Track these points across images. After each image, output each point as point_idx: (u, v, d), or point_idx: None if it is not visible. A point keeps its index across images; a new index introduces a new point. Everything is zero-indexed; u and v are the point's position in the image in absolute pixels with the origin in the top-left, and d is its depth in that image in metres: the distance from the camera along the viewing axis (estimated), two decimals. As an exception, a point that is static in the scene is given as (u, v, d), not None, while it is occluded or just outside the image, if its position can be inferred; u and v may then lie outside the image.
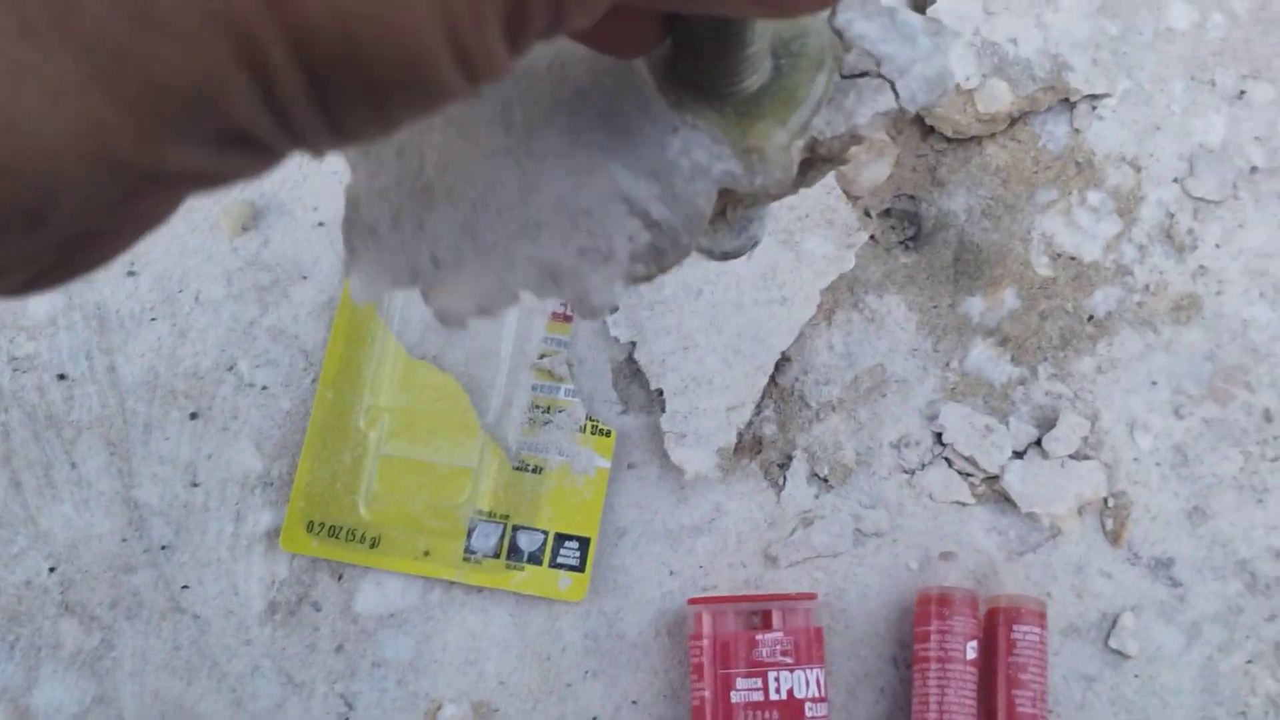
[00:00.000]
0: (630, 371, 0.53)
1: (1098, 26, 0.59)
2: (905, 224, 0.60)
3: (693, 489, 0.52)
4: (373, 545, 0.50)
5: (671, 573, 0.51)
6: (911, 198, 0.60)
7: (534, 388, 0.52)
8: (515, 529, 0.51)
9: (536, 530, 0.51)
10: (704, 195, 0.25)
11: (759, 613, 0.49)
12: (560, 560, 0.51)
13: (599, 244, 0.24)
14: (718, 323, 0.53)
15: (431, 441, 0.51)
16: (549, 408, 0.52)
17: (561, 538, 0.51)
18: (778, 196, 0.27)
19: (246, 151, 0.16)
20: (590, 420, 0.52)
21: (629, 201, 0.24)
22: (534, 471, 0.51)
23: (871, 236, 0.58)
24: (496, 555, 0.51)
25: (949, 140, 0.59)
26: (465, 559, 0.51)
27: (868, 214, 0.58)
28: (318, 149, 0.17)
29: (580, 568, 0.51)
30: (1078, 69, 0.58)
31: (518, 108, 0.25)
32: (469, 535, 0.51)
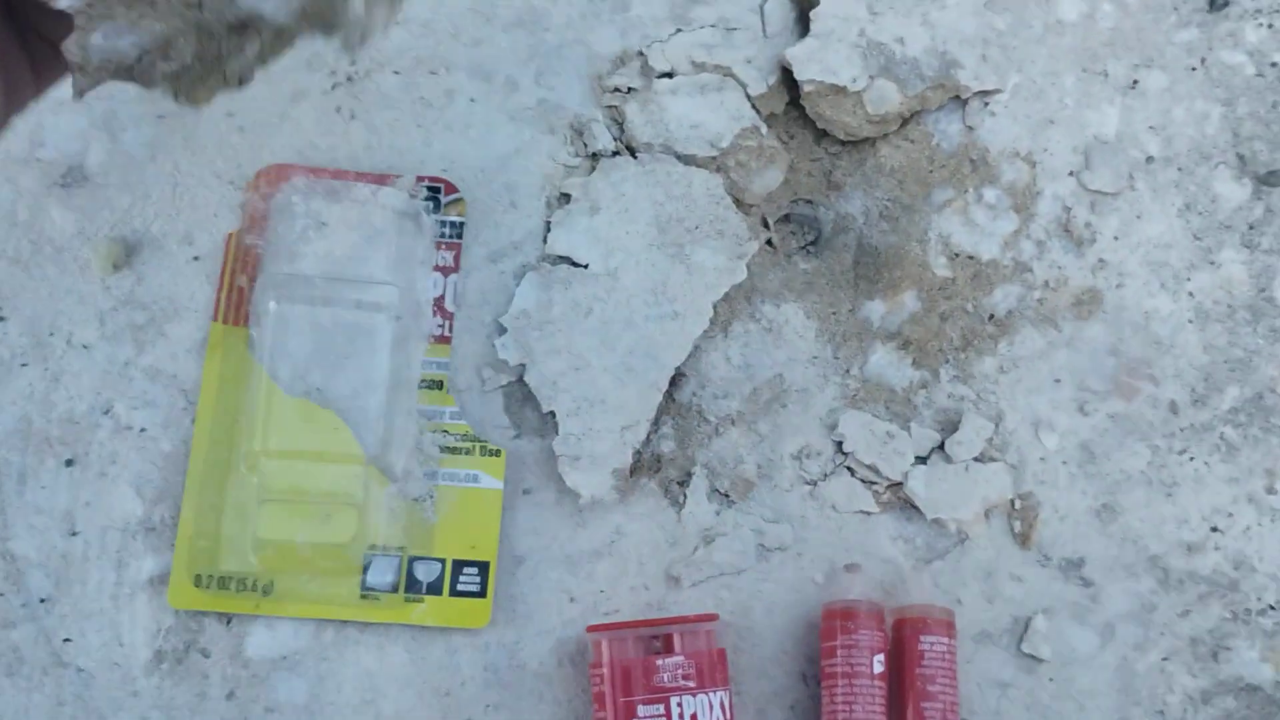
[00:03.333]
0: (522, 394, 0.52)
1: (985, 22, 0.59)
2: (805, 229, 0.59)
3: (590, 512, 0.51)
4: (265, 592, 0.49)
5: (572, 599, 0.50)
6: (809, 202, 0.59)
7: (418, 414, 0.51)
8: (412, 560, 0.49)
9: (433, 559, 0.49)
10: None
11: (659, 637, 0.47)
12: (461, 587, 0.49)
13: None
14: (609, 341, 0.52)
15: (316, 480, 0.49)
16: (435, 432, 0.51)
17: (460, 564, 0.50)
18: None
19: None
20: (478, 441, 0.51)
21: None
22: (426, 499, 0.50)
23: (769, 243, 0.57)
24: (395, 589, 0.49)
25: (843, 143, 0.59)
26: (363, 596, 0.49)
27: (765, 223, 0.58)
28: None
29: (482, 593, 0.49)
30: (967, 66, 0.58)
31: None
32: (365, 571, 0.49)
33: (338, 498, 0.49)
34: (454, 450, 0.50)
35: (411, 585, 0.49)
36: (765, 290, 0.56)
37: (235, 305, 0.51)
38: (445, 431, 0.50)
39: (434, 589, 0.49)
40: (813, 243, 0.59)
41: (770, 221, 0.58)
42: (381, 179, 0.52)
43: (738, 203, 0.57)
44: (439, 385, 0.51)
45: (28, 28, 0.37)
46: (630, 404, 0.51)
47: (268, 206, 0.51)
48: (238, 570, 0.49)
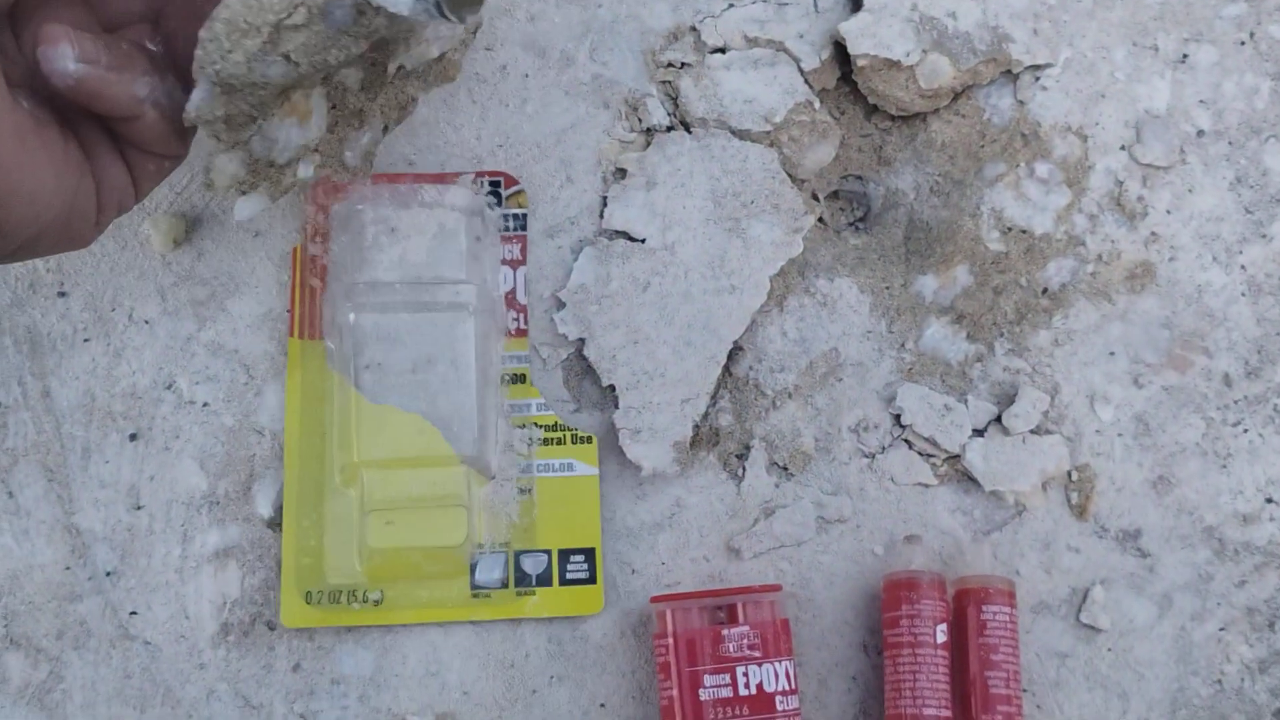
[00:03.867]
0: (581, 369, 0.52)
1: (1038, -3, 0.59)
2: (854, 205, 0.59)
3: (651, 485, 0.51)
4: (377, 604, 0.48)
5: (634, 571, 0.50)
6: (859, 178, 0.59)
7: (506, 408, 0.51)
8: (518, 554, 0.49)
9: (539, 552, 0.49)
10: None
11: (724, 607, 0.48)
12: (570, 576, 0.49)
13: None
14: (667, 315, 0.52)
15: (418, 485, 0.48)
16: (524, 425, 0.51)
17: (566, 553, 0.50)
18: None
19: None
20: (569, 430, 0.51)
21: None
22: (524, 493, 0.50)
23: (820, 219, 0.57)
24: (504, 585, 0.49)
25: (893, 118, 0.59)
26: (474, 595, 0.49)
27: (815, 197, 0.58)
28: None
29: (592, 579, 0.49)
30: (1018, 40, 0.58)
31: None
32: (473, 571, 0.49)
33: (444, 500, 0.48)
34: (546, 441, 0.50)
35: (521, 579, 0.49)
36: (818, 265, 0.56)
37: (308, 319, 0.50)
38: (535, 424, 0.50)
39: (544, 580, 0.49)
40: (862, 219, 0.59)
41: (821, 197, 0.58)
42: (441, 178, 0.52)
43: (791, 178, 0.57)
44: (522, 379, 0.51)
45: (126, 142, 0.41)
46: (689, 377, 0.51)
47: (329, 217, 0.51)
48: (347, 583, 0.48)
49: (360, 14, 0.40)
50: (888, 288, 0.57)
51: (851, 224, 0.59)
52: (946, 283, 0.57)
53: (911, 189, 0.58)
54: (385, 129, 0.52)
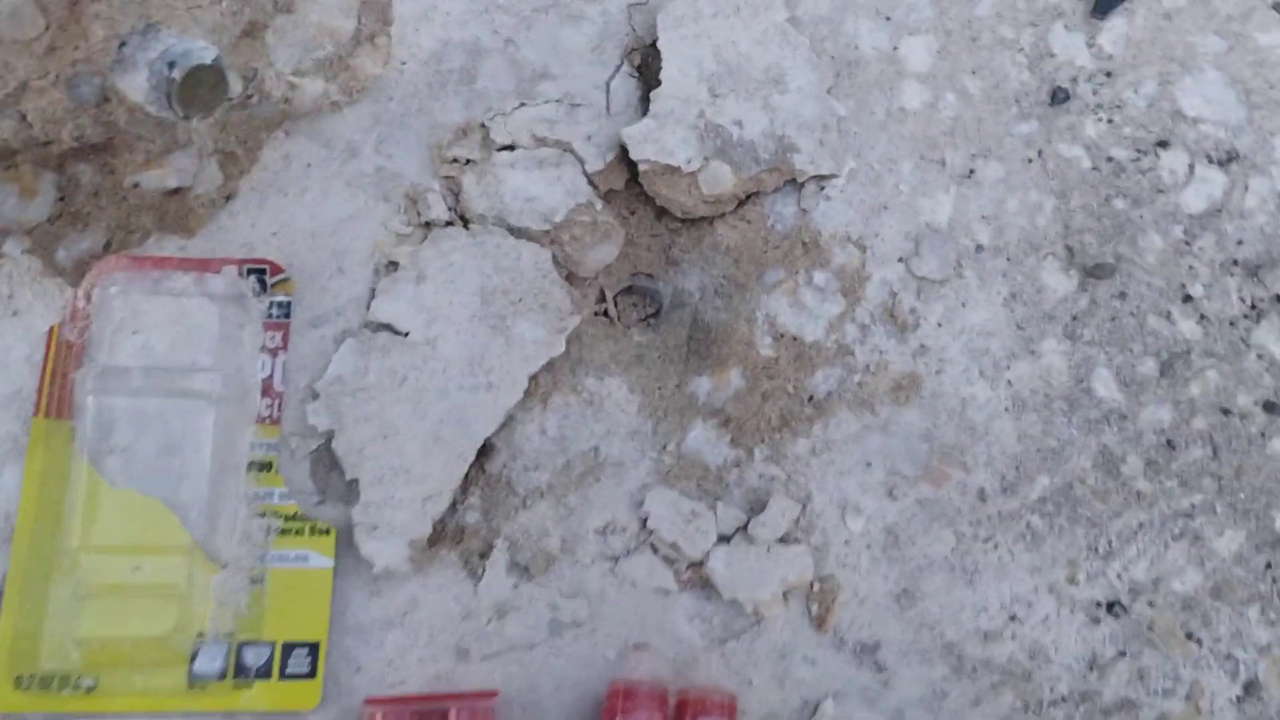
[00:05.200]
0: (330, 460, 0.53)
1: (827, 107, 0.60)
2: (647, 302, 0.60)
3: (387, 582, 0.52)
4: (90, 691, 0.49)
5: (359, 669, 0.51)
6: (650, 275, 0.60)
7: (249, 496, 0.51)
8: (241, 645, 0.50)
9: (263, 644, 0.50)
10: None
11: (436, 713, 0.48)
12: (291, 670, 0.49)
13: None
14: (421, 410, 0.53)
15: (136, 572, 0.49)
16: (265, 514, 0.51)
17: (290, 646, 0.50)
18: None
19: None
20: (308, 521, 0.51)
21: None
22: (255, 583, 0.50)
23: (606, 314, 0.58)
24: (223, 676, 0.49)
25: (681, 220, 0.60)
26: (190, 686, 0.49)
27: (602, 296, 0.59)
28: None
29: (312, 674, 0.49)
30: (804, 150, 0.59)
31: None
32: (193, 660, 0.49)
33: (158, 589, 0.49)
34: (284, 531, 0.51)
35: (240, 671, 0.49)
36: (591, 363, 0.57)
37: (57, 399, 0.51)
38: (276, 513, 0.51)
39: (263, 673, 0.49)
40: (654, 314, 0.60)
41: (610, 294, 0.59)
42: (205, 265, 0.53)
43: (571, 276, 0.58)
44: (268, 467, 0.52)
45: None
46: (435, 474, 0.52)
47: (89, 300, 0.52)
48: (60, 669, 0.48)
49: (105, 99, 0.41)
50: (660, 388, 0.57)
51: (644, 319, 0.60)
52: (720, 385, 0.57)
53: (697, 290, 0.59)
54: (108, 245, 0.52)
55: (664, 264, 0.60)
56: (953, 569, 0.55)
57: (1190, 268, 0.61)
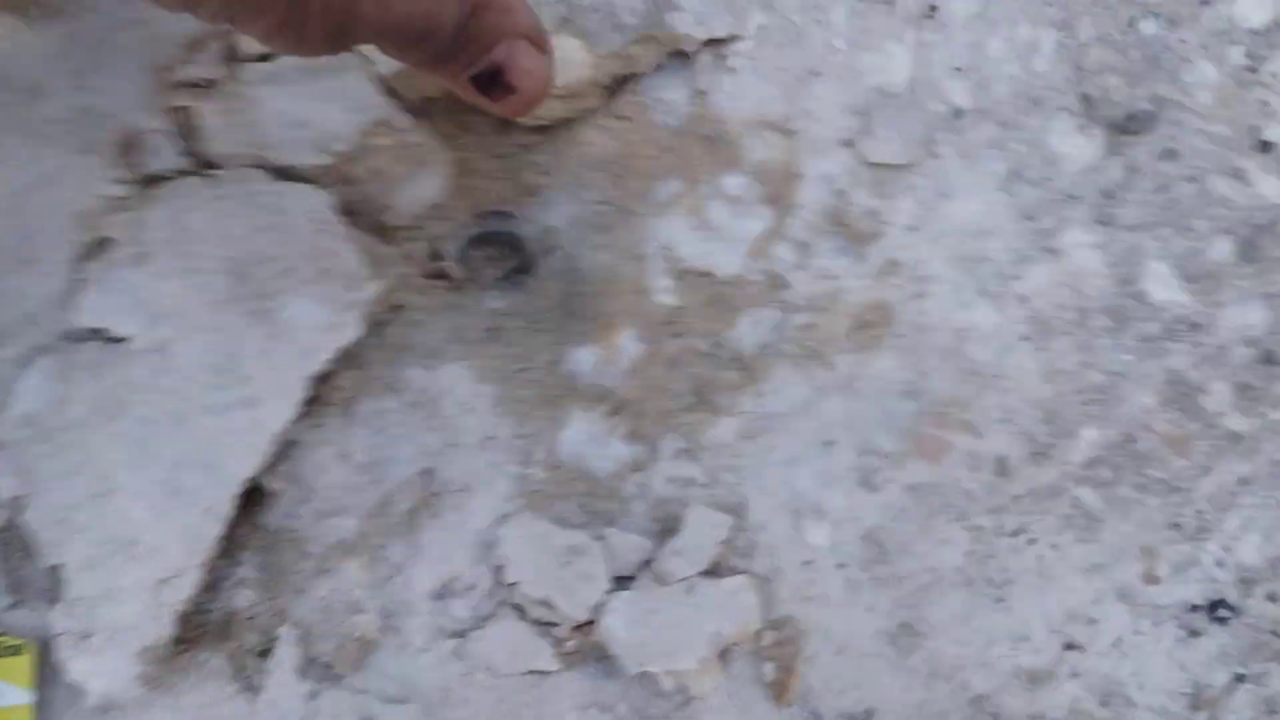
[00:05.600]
0: (22, 542, 0.36)
1: (713, -58, 0.42)
2: (506, 252, 0.43)
3: (115, 714, 0.34)
4: None
5: None
6: (504, 214, 0.43)
7: None
8: None
9: None
10: None
11: None
12: None
13: None
14: (149, 450, 0.36)
15: None
16: None
17: None
18: None
19: None
20: None
21: None
22: None
23: (444, 275, 0.41)
24: None
25: (533, 130, 0.42)
26: None
27: (437, 255, 0.41)
28: None
29: None
30: (685, 6, 0.41)
31: None
32: None
33: None
34: None
35: None
36: (419, 347, 0.39)
37: None
38: None
39: None
40: (519, 269, 0.43)
41: (452, 246, 0.42)
42: None
43: (381, 228, 0.40)
44: None
45: None
46: (173, 544, 0.35)
47: None
48: None
49: None
50: (525, 370, 0.40)
51: (505, 276, 0.42)
52: (609, 355, 0.40)
53: (568, 224, 0.42)
54: None
55: (519, 195, 0.42)
56: (970, 583, 0.37)
57: (1262, 102, 0.42)
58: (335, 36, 0.29)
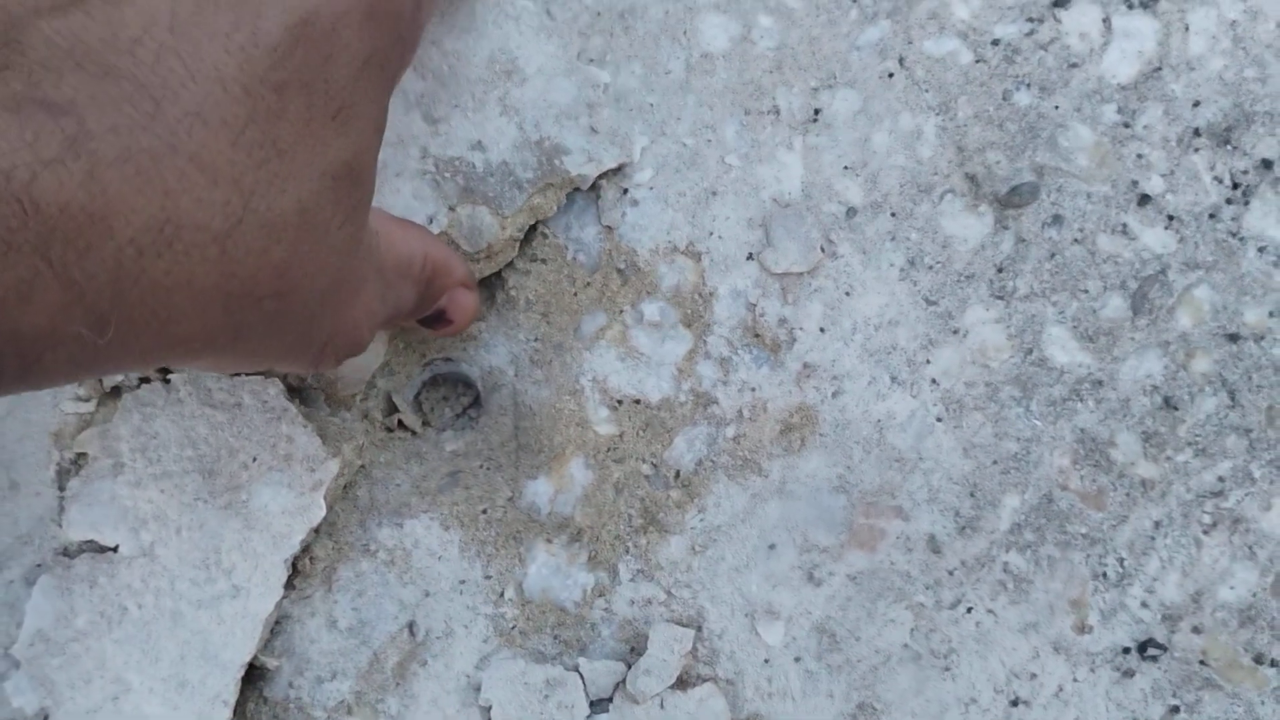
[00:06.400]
0: (48, 752, 0.39)
1: (584, 79, 0.45)
2: (459, 390, 0.46)
3: None
4: None
5: None
6: (448, 360, 0.46)
7: None
8: None
9: None
10: None
11: None
12: None
13: None
14: (152, 649, 0.39)
15: None
16: None
17: None
18: None
19: None
20: None
21: None
22: None
23: (401, 426, 0.44)
24: None
25: (461, 282, 0.45)
26: None
27: (393, 407, 0.44)
28: None
29: None
30: (573, 147, 0.44)
31: None
32: None
33: None
34: None
35: None
36: (385, 505, 0.43)
37: None
38: None
39: None
40: (474, 403, 0.46)
41: (405, 398, 0.45)
42: None
43: (333, 399, 0.44)
44: None
45: None
46: (185, 736, 0.38)
47: None
48: None
49: None
50: (485, 511, 0.43)
51: (461, 413, 0.46)
52: (562, 485, 0.43)
53: (509, 364, 0.44)
54: None
55: (460, 341, 0.45)
56: (918, 658, 0.40)
57: (1139, 157, 0.45)
58: (344, 359, 0.34)
